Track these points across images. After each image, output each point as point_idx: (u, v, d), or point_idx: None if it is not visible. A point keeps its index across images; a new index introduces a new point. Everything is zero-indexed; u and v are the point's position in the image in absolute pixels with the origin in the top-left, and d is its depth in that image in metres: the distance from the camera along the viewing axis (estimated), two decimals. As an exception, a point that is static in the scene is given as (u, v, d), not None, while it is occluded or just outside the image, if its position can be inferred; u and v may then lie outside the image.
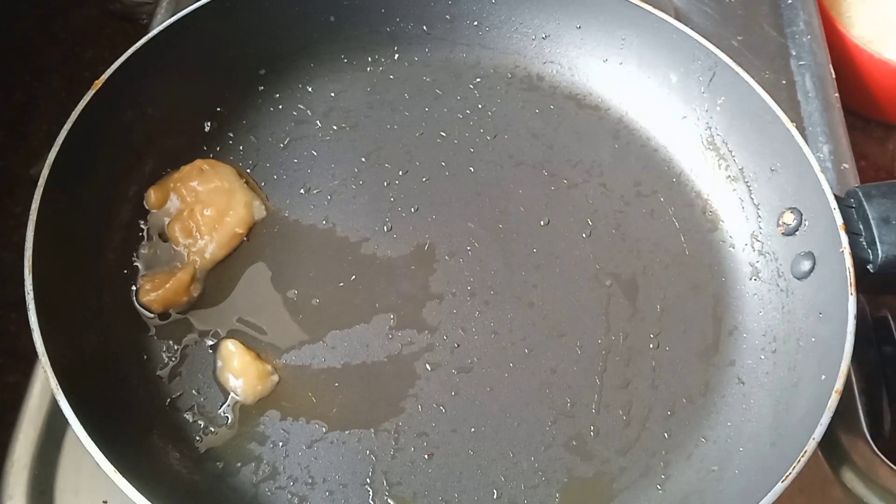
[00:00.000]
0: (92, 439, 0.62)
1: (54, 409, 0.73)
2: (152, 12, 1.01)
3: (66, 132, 0.74)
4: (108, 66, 0.78)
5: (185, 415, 0.74)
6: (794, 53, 1.05)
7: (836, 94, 1.01)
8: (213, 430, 0.74)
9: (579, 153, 0.92)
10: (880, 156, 1.14)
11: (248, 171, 0.87)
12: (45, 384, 0.75)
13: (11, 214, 0.96)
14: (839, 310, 0.73)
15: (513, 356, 0.79)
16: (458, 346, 0.79)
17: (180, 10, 0.84)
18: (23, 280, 0.67)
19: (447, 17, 0.97)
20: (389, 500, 0.72)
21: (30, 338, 0.66)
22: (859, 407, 0.80)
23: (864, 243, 0.78)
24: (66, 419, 0.63)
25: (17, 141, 0.99)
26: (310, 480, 0.72)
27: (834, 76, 1.02)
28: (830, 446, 0.77)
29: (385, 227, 0.85)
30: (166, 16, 0.95)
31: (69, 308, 0.72)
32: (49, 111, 1.04)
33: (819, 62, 1.04)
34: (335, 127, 0.91)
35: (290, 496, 0.72)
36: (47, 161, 0.72)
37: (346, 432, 0.74)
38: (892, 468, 0.76)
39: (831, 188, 0.77)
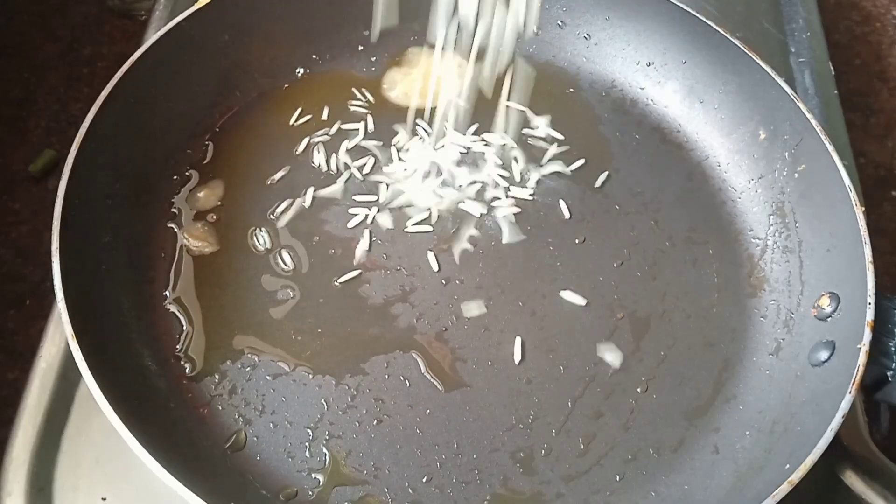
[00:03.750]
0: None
1: (53, 405, 0.74)
2: (151, 9, 1.02)
3: (89, 121, 0.76)
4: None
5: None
6: (793, 50, 1.01)
7: (836, 91, 0.98)
8: (192, 337, 0.78)
9: (644, 184, 0.90)
10: (879, 152, 1.08)
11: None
12: (43, 381, 0.75)
13: (10, 211, 0.93)
14: (833, 405, 0.68)
15: (494, 355, 0.79)
16: (446, 329, 0.80)
17: (179, 8, 0.88)
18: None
19: (559, 22, 0.97)
20: (324, 449, 0.73)
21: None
22: (858, 405, 0.77)
23: (893, 348, 0.72)
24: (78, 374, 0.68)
25: (15, 138, 0.96)
26: (260, 408, 0.75)
27: (833, 73, 0.97)
28: (830, 444, 0.70)
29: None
30: (164, 12, 1.00)
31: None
32: (48, 108, 1.00)
33: (819, 59, 1.00)
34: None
35: (237, 416, 0.74)
36: (64, 171, 0.73)
37: (310, 376, 0.76)
38: (891, 466, 0.73)
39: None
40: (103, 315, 0.73)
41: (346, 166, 0.89)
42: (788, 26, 1.05)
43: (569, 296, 0.82)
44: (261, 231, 0.84)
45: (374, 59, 0.96)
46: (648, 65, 0.95)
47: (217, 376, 0.76)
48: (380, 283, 0.82)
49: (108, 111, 0.78)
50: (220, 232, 0.84)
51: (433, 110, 0.92)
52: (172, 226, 0.83)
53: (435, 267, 0.83)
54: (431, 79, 0.92)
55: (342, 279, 0.82)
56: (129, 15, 1.08)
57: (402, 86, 0.93)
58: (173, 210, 0.84)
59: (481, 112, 0.93)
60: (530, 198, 0.88)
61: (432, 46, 0.89)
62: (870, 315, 0.71)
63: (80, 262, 0.72)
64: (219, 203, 0.85)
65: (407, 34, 0.96)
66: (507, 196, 0.88)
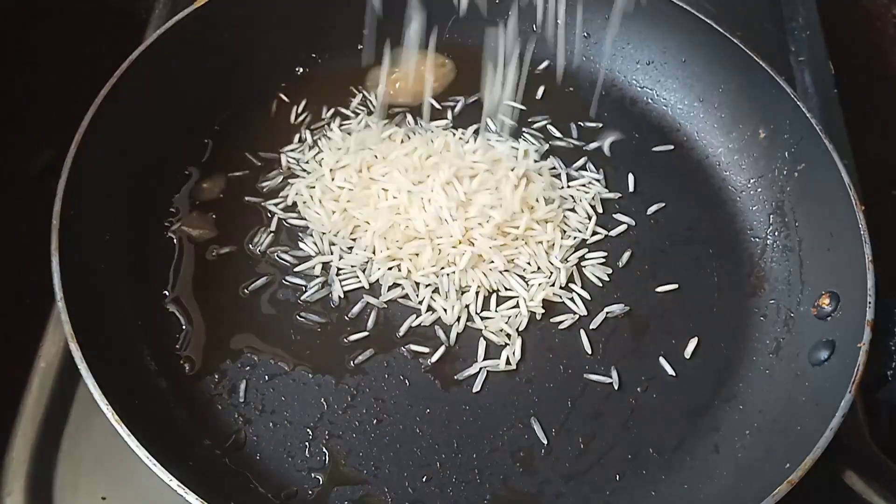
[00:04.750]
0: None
1: (53, 405, 0.74)
2: (151, 7, 1.02)
3: (88, 120, 0.76)
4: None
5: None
6: (793, 49, 1.01)
7: (836, 90, 0.98)
8: (192, 337, 0.77)
9: (644, 183, 0.90)
10: (878, 151, 1.08)
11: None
12: (43, 381, 0.74)
13: (10, 210, 0.90)
14: (832, 404, 0.68)
15: (494, 353, 0.79)
16: (447, 329, 0.80)
17: (179, 6, 0.87)
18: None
19: (558, 21, 0.96)
20: (324, 449, 0.73)
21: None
22: (858, 405, 0.77)
23: (893, 347, 0.72)
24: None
25: (15, 137, 0.94)
26: (261, 407, 0.75)
27: (833, 72, 0.98)
28: (830, 444, 0.70)
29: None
30: (165, 11, 0.99)
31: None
32: (47, 107, 0.97)
33: (818, 58, 1.00)
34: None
35: (237, 416, 0.74)
36: (64, 170, 0.73)
37: (310, 376, 0.76)
38: (891, 466, 0.73)
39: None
40: (103, 315, 0.73)
41: (346, 164, 0.88)
42: (788, 25, 1.05)
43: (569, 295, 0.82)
44: (260, 230, 0.84)
45: (373, 58, 0.95)
46: (648, 64, 0.95)
47: (217, 376, 0.76)
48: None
49: (107, 110, 0.77)
50: (220, 230, 0.83)
51: (425, 108, 0.93)
52: (172, 224, 0.82)
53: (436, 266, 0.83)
54: (416, 77, 0.91)
55: (343, 277, 0.81)
56: (129, 13, 1.06)
57: (384, 85, 0.93)
58: (173, 209, 0.84)
59: (479, 110, 0.92)
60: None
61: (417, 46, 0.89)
62: (870, 314, 0.71)
63: (80, 261, 0.71)
64: (220, 196, 0.85)
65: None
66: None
